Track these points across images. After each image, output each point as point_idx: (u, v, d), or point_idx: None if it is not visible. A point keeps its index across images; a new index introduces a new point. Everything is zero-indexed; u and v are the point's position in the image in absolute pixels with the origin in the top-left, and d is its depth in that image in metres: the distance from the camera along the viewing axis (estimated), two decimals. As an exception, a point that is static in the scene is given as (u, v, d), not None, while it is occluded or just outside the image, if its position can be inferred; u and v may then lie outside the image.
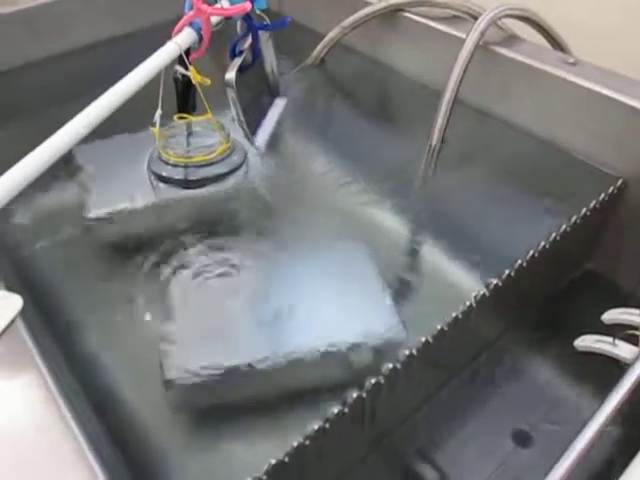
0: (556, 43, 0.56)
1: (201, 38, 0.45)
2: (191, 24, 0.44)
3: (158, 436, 0.33)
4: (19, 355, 0.29)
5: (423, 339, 0.35)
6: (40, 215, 0.47)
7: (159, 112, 0.46)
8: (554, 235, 0.43)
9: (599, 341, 0.36)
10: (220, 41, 0.50)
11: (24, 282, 0.41)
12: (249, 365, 0.35)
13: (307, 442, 0.31)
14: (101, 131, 0.52)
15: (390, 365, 0.34)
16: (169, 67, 0.45)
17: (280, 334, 0.37)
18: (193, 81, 0.45)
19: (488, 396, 0.46)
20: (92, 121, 0.37)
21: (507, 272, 0.40)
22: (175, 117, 0.47)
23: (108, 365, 0.36)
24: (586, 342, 0.37)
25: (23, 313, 0.31)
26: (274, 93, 0.61)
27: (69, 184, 0.49)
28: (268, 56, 0.58)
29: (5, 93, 0.63)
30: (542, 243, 0.42)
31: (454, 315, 0.37)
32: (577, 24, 0.57)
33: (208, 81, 0.45)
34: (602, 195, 0.46)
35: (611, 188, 0.47)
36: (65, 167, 0.50)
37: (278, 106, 0.60)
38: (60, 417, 0.26)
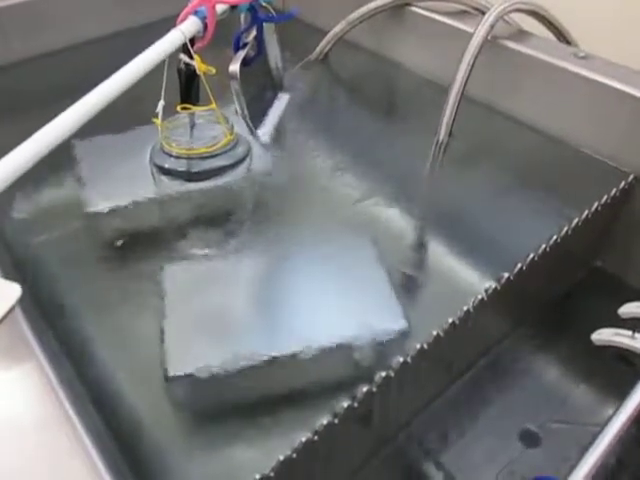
0: (564, 38, 0.55)
1: (206, 27, 0.44)
2: (196, 12, 0.44)
3: (160, 434, 0.32)
4: (18, 344, 0.28)
5: (435, 333, 0.35)
6: (41, 209, 0.46)
7: (162, 103, 0.45)
8: (566, 229, 0.42)
9: (617, 334, 0.35)
10: (223, 36, 0.49)
11: (24, 275, 0.40)
12: (253, 361, 0.34)
13: (316, 438, 0.30)
14: (103, 126, 0.52)
15: (401, 359, 0.33)
16: (172, 62, 0.44)
17: (284, 330, 0.37)
18: (198, 71, 0.44)
19: (495, 395, 0.45)
20: (93, 107, 0.36)
21: (519, 266, 0.39)
22: (178, 107, 0.46)
23: (108, 361, 0.35)
24: (603, 335, 0.36)
25: (22, 304, 0.30)
26: (278, 88, 0.60)
27: (70, 178, 0.48)
28: (272, 50, 0.57)
29: (6, 88, 0.62)
30: (554, 237, 0.41)
31: (465, 309, 0.36)
32: (584, 18, 0.56)
33: (213, 70, 0.44)
34: (613, 190, 0.46)
35: (622, 183, 0.46)
36: (66, 161, 0.49)
37: (281, 101, 0.59)
38: (60, 408, 0.25)
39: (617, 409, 0.29)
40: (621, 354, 0.43)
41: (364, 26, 0.63)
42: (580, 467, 0.25)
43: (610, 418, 0.29)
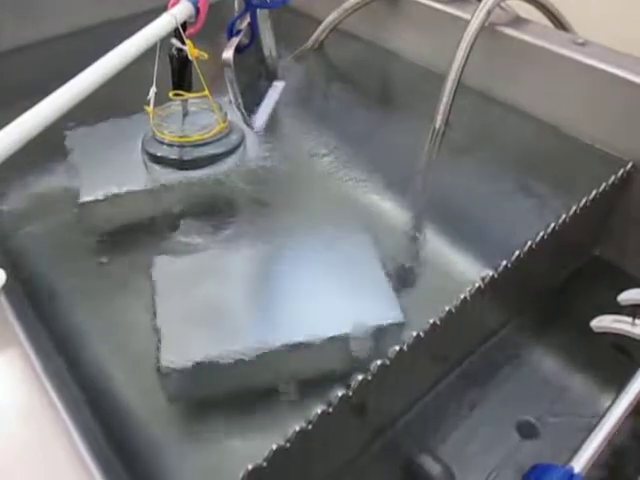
0: (560, 24, 0.55)
1: (198, 12, 0.43)
2: (188, -4, 0.43)
3: (152, 424, 0.32)
4: (2, 332, 0.27)
5: (431, 321, 0.34)
6: (32, 198, 0.46)
7: (153, 89, 0.44)
8: (564, 217, 0.41)
9: (617, 321, 0.34)
10: (216, 23, 0.48)
11: (14, 264, 0.39)
12: (247, 353, 0.33)
13: (310, 427, 0.30)
14: (94, 114, 0.51)
15: (397, 347, 0.33)
16: (164, 51, 0.43)
17: (279, 321, 0.36)
18: (190, 57, 0.43)
19: (492, 386, 0.44)
20: (80, 92, 0.35)
21: (517, 254, 0.38)
22: (170, 94, 0.45)
23: (99, 352, 0.35)
24: (603, 322, 0.36)
25: (11, 294, 0.30)
26: (272, 76, 0.59)
27: (62, 167, 0.48)
28: (266, 38, 0.56)
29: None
30: (552, 225, 0.40)
31: (462, 297, 0.36)
32: (581, 5, 0.56)
33: (205, 55, 0.43)
34: (612, 178, 0.45)
35: (621, 171, 0.46)
36: (58, 150, 0.48)
37: (276, 89, 0.58)
38: (45, 396, 0.24)
39: (617, 397, 0.29)
40: (619, 344, 0.43)
41: (359, 14, 0.62)
42: (581, 454, 0.24)
43: (610, 406, 0.28)
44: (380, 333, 0.35)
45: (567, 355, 0.46)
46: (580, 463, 0.24)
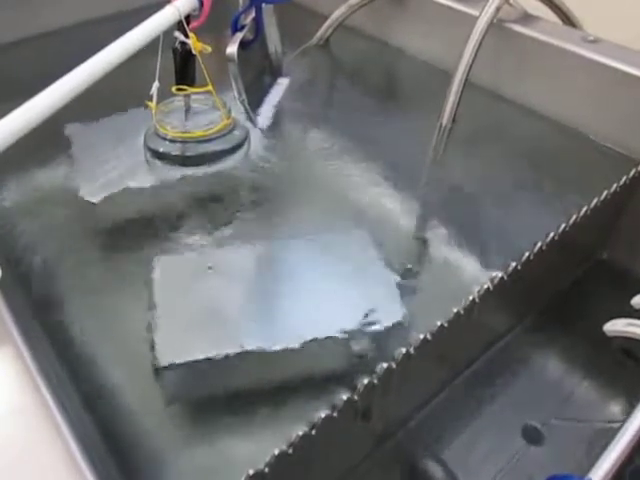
0: (569, 21, 0.54)
1: (202, 5, 0.43)
2: (191, -11, 0.42)
3: (149, 426, 0.31)
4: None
5: (438, 323, 0.33)
6: (30, 195, 0.45)
7: (156, 84, 0.43)
8: (574, 218, 0.40)
9: (631, 325, 0.33)
10: (221, 19, 0.47)
11: (10, 262, 0.39)
12: (246, 353, 0.32)
13: (313, 432, 0.29)
14: (96, 109, 0.50)
15: (403, 350, 0.32)
16: (166, 46, 0.42)
17: (280, 322, 0.35)
18: (193, 51, 0.43)
19: (498, 391, 0.44)
20: (80, 85, 0.34)
21: (526, 255, 0.37)
22: (173, 89, 0.45)
23: (96, 351, 0.34)
24: (617, 326, 0.35)
25: (5, 291, 0.29)
26: (277, 73, 0.58)
27: (63, 163, 0.47)
28: (271, 34, 0.56)
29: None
30: (562, 226, 0.39)
31: (471, 298, 0.35)
32: (589, 1, 0.55)
33: (209, 49, 0.42)
34: (623, 179, 0.44)
35: (632, 171, 0.45)
36: (59, 146, 0.48)
37: (281, 86, 0.57)
38: (39, 396, 0.23)
39: (636, 406, 0.27)
40: (627, 348, 0.42)
41: (365, 11, 0.61)
42: (600, 465, 0.23)
43: (630, 415, 0.27)
44: (386, 335, 0.34)
45: (574, 359, 0.46)
46: (599, 474, 0.23)
